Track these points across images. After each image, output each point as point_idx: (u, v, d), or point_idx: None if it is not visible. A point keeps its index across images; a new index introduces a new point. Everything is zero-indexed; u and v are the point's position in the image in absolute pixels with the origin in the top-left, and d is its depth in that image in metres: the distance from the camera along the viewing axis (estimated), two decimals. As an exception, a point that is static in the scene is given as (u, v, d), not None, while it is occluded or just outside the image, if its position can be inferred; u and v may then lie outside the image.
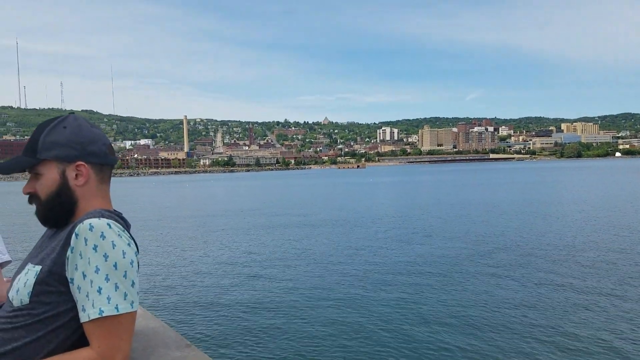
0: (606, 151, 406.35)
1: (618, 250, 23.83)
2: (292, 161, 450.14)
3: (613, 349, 12.61)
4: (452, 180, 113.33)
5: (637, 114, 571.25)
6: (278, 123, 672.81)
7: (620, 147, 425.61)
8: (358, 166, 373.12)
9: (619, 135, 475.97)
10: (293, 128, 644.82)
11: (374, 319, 14.73)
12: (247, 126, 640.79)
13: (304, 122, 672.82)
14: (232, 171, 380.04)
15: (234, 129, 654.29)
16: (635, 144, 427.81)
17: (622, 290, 17.45)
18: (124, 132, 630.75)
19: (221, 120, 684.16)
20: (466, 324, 14.59)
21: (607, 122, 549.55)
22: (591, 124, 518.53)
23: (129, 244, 1.81)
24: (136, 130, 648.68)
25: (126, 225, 1.93)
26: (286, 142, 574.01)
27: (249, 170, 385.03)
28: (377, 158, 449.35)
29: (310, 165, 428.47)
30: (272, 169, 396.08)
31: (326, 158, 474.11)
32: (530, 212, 42.20)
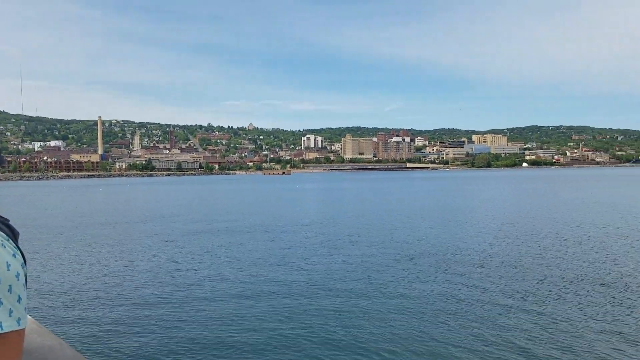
0: (514, 161, 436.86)
1: (530, 254, 26.58)
2: (216, 166, 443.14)
3: (522, 349, 14.50)
4: (373, 188, 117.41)
5: (543, 126, 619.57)
6: (201, 127, 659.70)
7: (527, 157, 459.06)
8: (283, 172, 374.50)
9: (526, 146, 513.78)
10: (217, 132, 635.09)
11: (300, 327, 15.41)
12: (167, 129, 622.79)
13: (229, 127, 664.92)
14: (151, 175, 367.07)
15: (154, 131, 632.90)
16: (541, 155, 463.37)
17: (537, 291, 19.73)
18: (33, 133, 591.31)
19: (139, 122, 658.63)
20: (389, 329, 15.97)
21: (515, 134, 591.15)
22: (500, 135, 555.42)
23: (14, 255, 1.59)
24: (46, 131, 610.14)
25: (12, 234, 1.69)
26: (210, 147, 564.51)
27: (169, 175, 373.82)
28: (302, 165, 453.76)
29: (235, 171, 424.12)
30: (194, 174, 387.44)
31: (251, 164, 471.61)
32: (447, 218, 45.34)
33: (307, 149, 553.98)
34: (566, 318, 15.61)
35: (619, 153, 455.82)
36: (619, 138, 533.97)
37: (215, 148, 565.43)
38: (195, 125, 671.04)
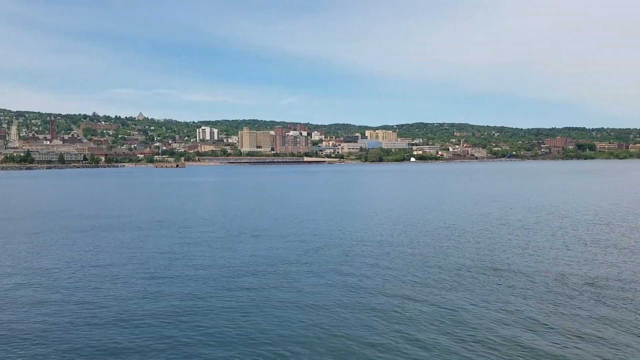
0: (403, 156, 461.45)
1: (425, 243, 28.37)
2: (103, 158, 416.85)
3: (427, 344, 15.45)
4: (273, 181, 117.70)
5: (428, 123, 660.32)
6: (86, 116, 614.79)
7: (415, 152, 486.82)
8: (177, 165, 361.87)
9: (414, 142, 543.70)
10: (103, 123, 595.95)
11: (188, 328, 15.32)
12: (48, 118, 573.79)
13: (116, 116, 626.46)
14: (30, 168, 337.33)
15: (33, 121, 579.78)
16: (427, 150, 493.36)
17: (435, 278, 21.09)
18: None
19: (17, 111, 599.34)
20: (285, 324, 16.34)
21: (403, 130, 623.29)
22: (390, 131, 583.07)
23: None
24: None
25: None
26: (95, 138, 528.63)
27: (50, 168, 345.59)
28: (197, 158, 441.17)
29: (124, 164, 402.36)
30: (78, 167, 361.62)
31: (142, 156, 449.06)
32: (346, 210, 46.88)
33: (203, 141, 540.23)
34: (462, 303, 17.07)
35: (495, 149, 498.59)
36: (496, 135, 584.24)
37: (102, 139, 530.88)
38: (79, 114, 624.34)
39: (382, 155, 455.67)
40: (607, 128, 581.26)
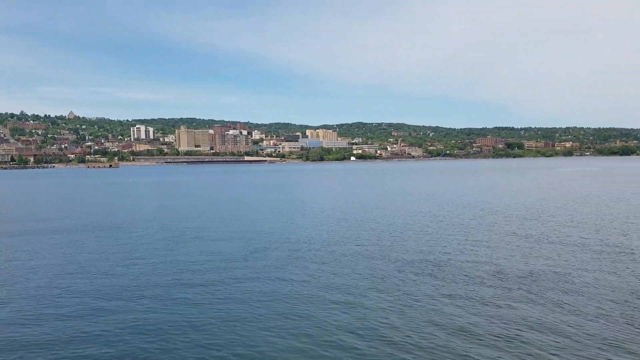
0: (343, 155, 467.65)
1: (367, 242, 28.88)
2: (31, 159, 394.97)
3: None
4: (213, 181, 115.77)
5: (367, 123, 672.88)
6: (13, 115, 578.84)
7: (355, 152, 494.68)
8: (110, 165, 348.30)
9: (354, 141, 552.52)
10: (32, 122, 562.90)
11: (133, 330, 15.11)
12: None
13: (46, 115, 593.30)
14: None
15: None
16: (366, 149, 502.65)
17: (379, 275, 21.48)
18: None
19: None
20: (234, 323, 16.28)
21: (343, 130, 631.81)
22: (331, 131, 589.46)
23: None
24: None
25: None
26: (23, 138, 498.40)
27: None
28: (132, 157, 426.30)
29: (54, 164, 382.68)
30: (5, 168, 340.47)
31: (73, 156, 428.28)
32: (290, 210, 46.84)
33: (138, 140, 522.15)
34: (406, 299, 17.59)
35: (430, 148, 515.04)
36: (431, 134, 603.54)
37: (30, 139, 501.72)
38: (6, 113, 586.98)
39: (323, 155, 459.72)
40: (535, 127, 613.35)
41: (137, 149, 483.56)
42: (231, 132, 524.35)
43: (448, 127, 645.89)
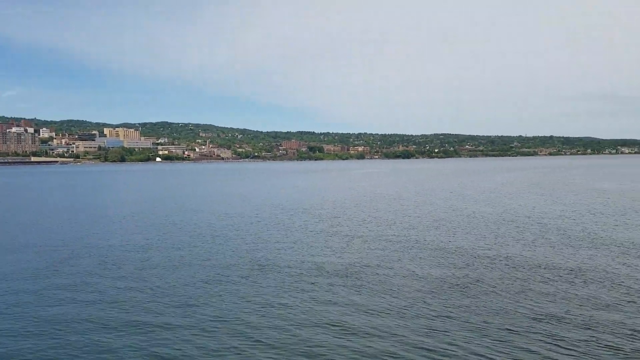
0: (148, 156, 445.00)
1: (187, 245, 28.72)
2: None
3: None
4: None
5: (173, 123, 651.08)
6: None
7: (160, 152, 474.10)
8: None
9: (159, 141, 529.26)
10: None
11: None
12: None
13: None
14: None
15: None
16: (173, 150, 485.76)
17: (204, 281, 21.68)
18: None
19: None
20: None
21: (147, 129, 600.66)
22: (133, 130, 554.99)
23: None
24: None
25: None
26: None
27: None
28: None
29: None
30: None
31: None
32: (90, 215, 43.67)
33: None
34: (225, 303, 18.43)
35: (239, 150, 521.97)
36: (239, 136, 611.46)
37: None
38: None
39: (124, 155, 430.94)
40: (333, 133, 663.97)
41: None
42: (14, 129, 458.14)
43: (256, 129, 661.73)
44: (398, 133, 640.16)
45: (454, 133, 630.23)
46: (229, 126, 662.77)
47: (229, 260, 24.40)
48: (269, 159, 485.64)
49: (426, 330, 14.68)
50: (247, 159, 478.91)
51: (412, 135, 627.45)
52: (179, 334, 14.63)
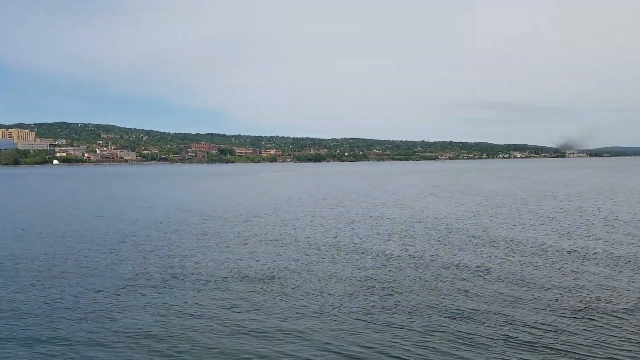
0: (44, 158, 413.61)
1: (91, 251, 27.23)
2: None
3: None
4: None
5: (72, 123, 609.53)
6: None
7: (58, 154, 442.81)
8: None
9: (56, 143, 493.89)
10: None
11: None
12: None
13: None
14: None
15: None
16: (72, 152, 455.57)
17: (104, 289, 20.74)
18: None
19: None
20: None
21: (43, 130, 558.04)
22: (28, 130, 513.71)
23: None
24: None
25: None
26: None
27: None
28: None
29: None
30: None
31: None
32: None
33: None
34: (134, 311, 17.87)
35: (145, 152, 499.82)
36: (144, 138, 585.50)
37: None
38: None
39: (18, 157, 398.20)
40: (244, 135, 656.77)
41: None
42: None
43: (162, 131, 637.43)
44: (310, 137, 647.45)
45: (362, 137, 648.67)
46: (133, 127, 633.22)
47: (139, 268, 23.49)
48: (177, 162, 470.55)
49: (345, 332, 15.11)
50: (153, 162, 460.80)
51: (323, 139, 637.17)
52: (79, 351, 13.91)
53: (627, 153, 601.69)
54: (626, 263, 23.03)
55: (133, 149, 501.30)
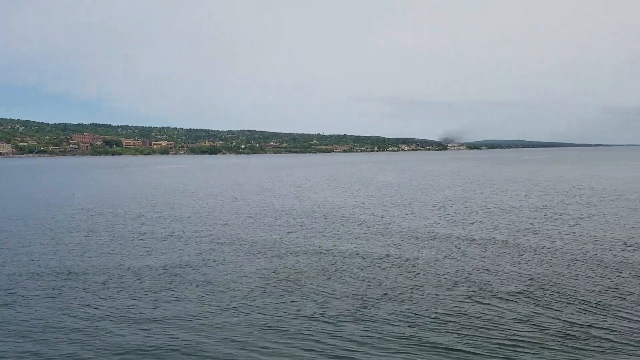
0: None
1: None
2: None
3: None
4: None
5: None
6: None
7: None
8: None
9: None
10: None
11: None
12: None
13: None
14: None
15: None
16: None
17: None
18: None
19: None
20: None
21: None
22: None
23: None
24: None
25: None
26: None
27: None
28: None
29: None
30: None
31: None
32: None
33: None
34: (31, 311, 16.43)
35: (21, 144, 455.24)
36: (21, 129, 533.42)
37: None
38: None
39: None
40: (132, 126, 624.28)
41: None
42: None
43: (40, 121, 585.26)
44: (204, 128, 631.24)
45: (259, 130, 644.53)
46: (7, 117, 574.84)
47: (27, 268, 21.55)
48: (57, 154, 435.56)
49: (255, 327, 15.09)
50: (30, 154, 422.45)
51: (218, 131, 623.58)
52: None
53: (502, 145, 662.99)
54: (507, 247, 25.31)
55: (8, 141, 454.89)
